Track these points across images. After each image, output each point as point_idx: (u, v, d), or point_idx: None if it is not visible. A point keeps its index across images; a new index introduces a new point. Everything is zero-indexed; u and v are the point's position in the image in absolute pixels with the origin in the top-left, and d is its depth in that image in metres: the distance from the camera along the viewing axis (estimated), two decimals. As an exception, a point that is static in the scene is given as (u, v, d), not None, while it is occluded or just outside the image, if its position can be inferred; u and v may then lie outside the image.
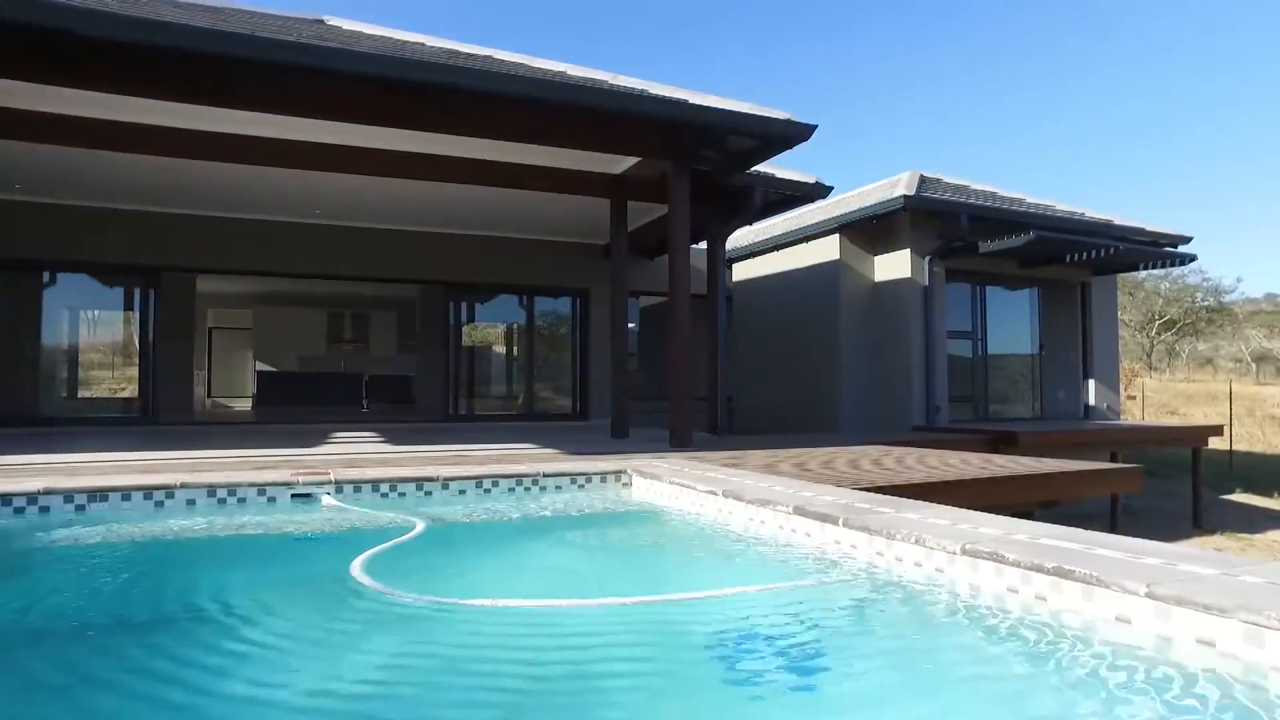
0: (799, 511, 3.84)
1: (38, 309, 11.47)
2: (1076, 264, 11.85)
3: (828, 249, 12.28)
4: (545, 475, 5.37)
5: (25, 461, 5.99)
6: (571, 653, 2.66)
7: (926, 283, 11.36)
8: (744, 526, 4.25)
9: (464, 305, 13.32)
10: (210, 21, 6.39)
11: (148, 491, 4.52)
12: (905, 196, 10.81)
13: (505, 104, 6.86)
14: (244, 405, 19.28)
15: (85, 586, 3.52)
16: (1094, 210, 12.98)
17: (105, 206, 10.92)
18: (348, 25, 8.64)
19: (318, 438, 8.95)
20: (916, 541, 3.10)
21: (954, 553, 2.92)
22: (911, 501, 4.01)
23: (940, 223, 11.29)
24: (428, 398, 13.98)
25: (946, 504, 3.95)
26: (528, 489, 5.31)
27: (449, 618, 2.95)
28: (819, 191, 9.94)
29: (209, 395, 19.90)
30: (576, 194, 9.35)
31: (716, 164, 8.42)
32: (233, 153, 7.95)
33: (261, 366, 18.71)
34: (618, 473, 5.62)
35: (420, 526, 4.07)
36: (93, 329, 12.30)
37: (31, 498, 4.31)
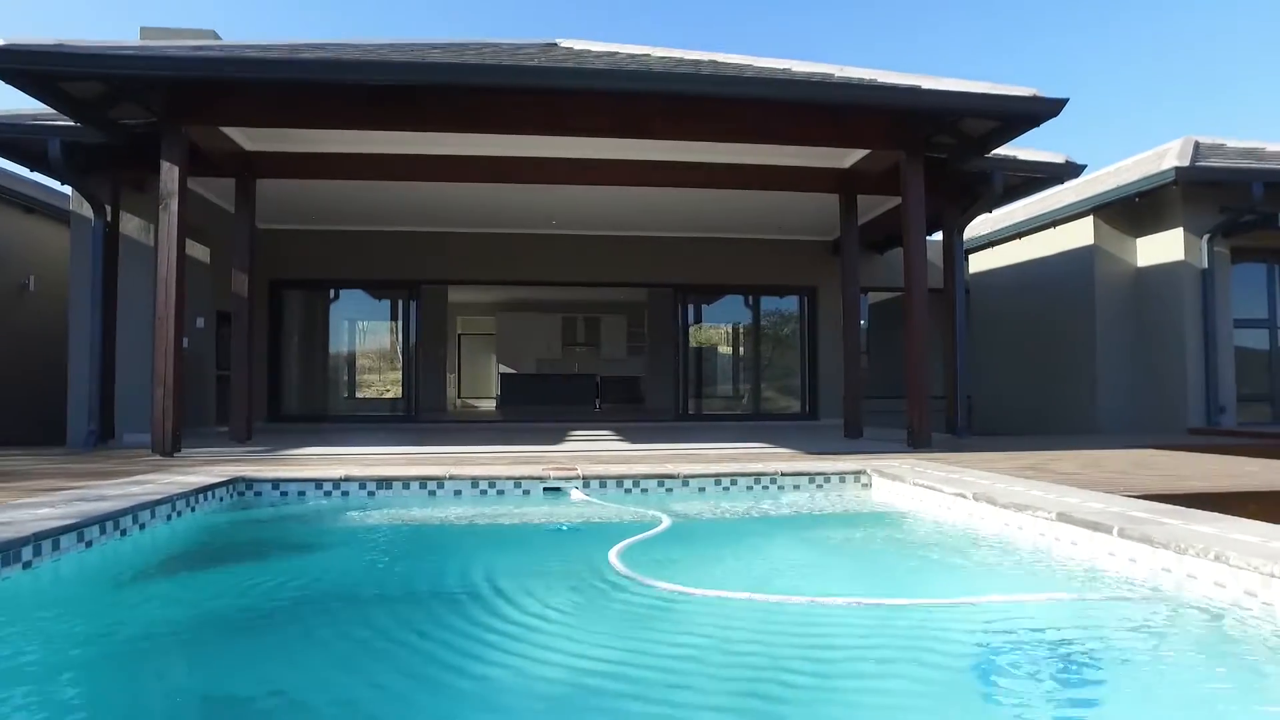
0: (1064, 518, 3.55)
1: (326, 322, 13.33)
2: None
3: (1079, 233, 11.18)
4: (783, 474, 5.38)
5: (326, 452, 6.98)
6: (819, 651, 2.64)
7: (1205, 264, 9.99)
8: (996, 532, 4.00)
9: (690, 306, 13.62)
10: (460, 56, 7.08)
11: (423, 481, 5.09)
12: (1177, 168, 9.57)
13: (734, 106, 6.96)
14: (488, 405, 21.05)
15: (378, 560, 4.06)
16: None
17: (375, 229, 12.40)
18: (578, 45, 9.14)
19: (558, 435, 9.56)
20: (1216, 558, 2.75)
21: (1270, 575, 2.56)
22: (1199, 512, 3.56)
23: (1223, 195, 9.88)
24: (656, 397, 14.47)
25: (1245, 517, 3.46)
26: (766, 487, 5.34)
27: (699, 609, 3.04)
28: (1069, 171, 9.06)
29: (459, 396, 21.93)
30: (804, 191, 9.24)
31: (952, 150, 7.97)
32: (479, 173, 8.70)
33: (504, 369, 20.32)
34: (857, 473, 5.50)
35: (667, 521, 4.24)
36: (363, 338, 14.01)
37: (335, 483, 5.02)
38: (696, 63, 7.82)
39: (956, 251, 9.39)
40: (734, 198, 10.28)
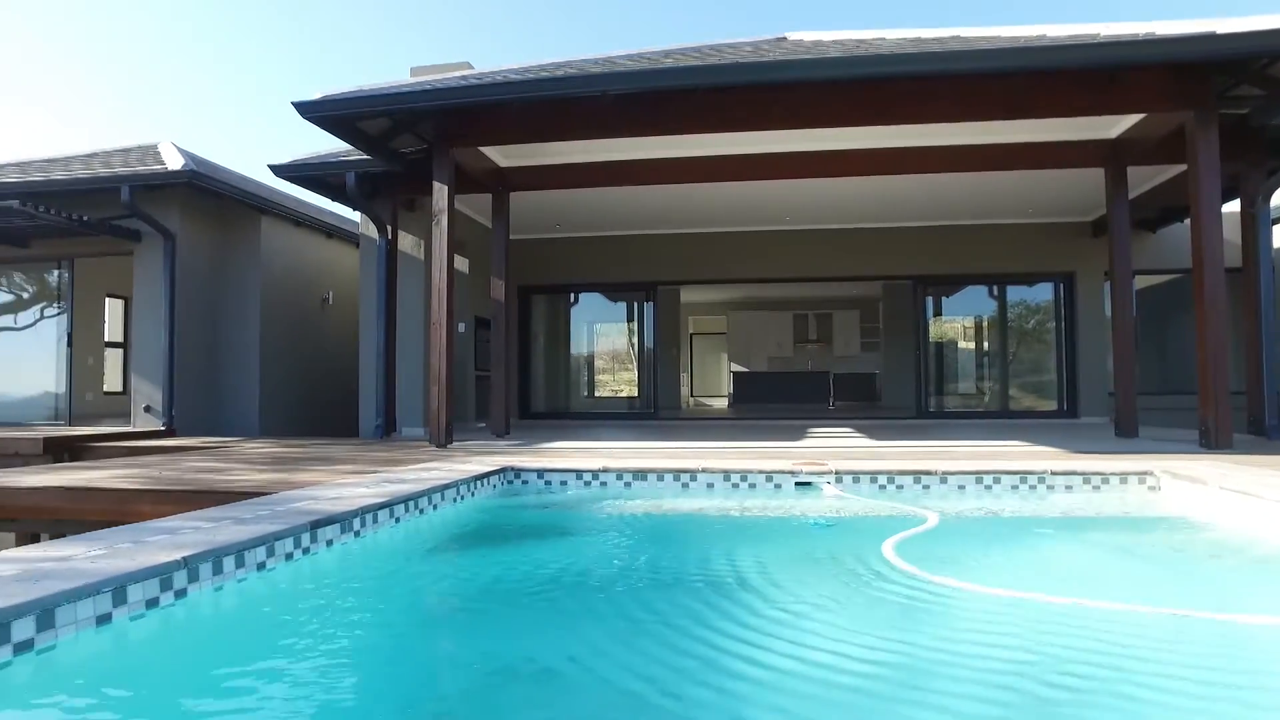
0: None
1: (567, 324, 14.16)
2: None
3: None
4: (1054, 473, 4.94)
5: (578, 445, 7.41)
6: (1108, 656, 2.42)
7: None
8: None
9: (930, 299, 12.93)
10: (699, 59, 7.21)
11: (676, 474, 5.23)
12: None
13: (985, 82, 6.53)
14: (720, 403, 21.28)
15: (640, 545, 4.25)
16: None
17: (613, 234, 12.97)
18: (808, 36, 8.99)
19: (796, 432, 9.46)
20: None
21: None
22: None
23: None
24: (893, 394, 13.88)
25: None
26: (1033, 487, 4.94)
27: (973, 605, 2.90)
28: None
29: (691, 394, 22.39)
30: (1062, 167, 8.46)
31: (1258, 102, 6.90)
32: (716, 173, 8.80)
33: (735, 367, 20.46)
34: (1142, 474, 4.93)
35: (934, 518, 4.05)
36: (599, 339, 14.71)
37: (594, 474, 5.30)
38: (938, 40, 7.40)
39: (1261, 223, 8.09)
40: (978, 180, 9.63)
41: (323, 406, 11.68)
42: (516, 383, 12.93)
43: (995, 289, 12.83)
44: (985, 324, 13.29)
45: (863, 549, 3.46)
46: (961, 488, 4.95)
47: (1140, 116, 7.46)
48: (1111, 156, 8.17)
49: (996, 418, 12.22)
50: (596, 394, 14.57)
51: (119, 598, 2.18)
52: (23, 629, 1.89)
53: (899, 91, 6.79)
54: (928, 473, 4.97)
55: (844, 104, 6.91)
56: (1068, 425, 10.85)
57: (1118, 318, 8.22)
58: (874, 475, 5.00)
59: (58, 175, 9.70)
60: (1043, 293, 12.64)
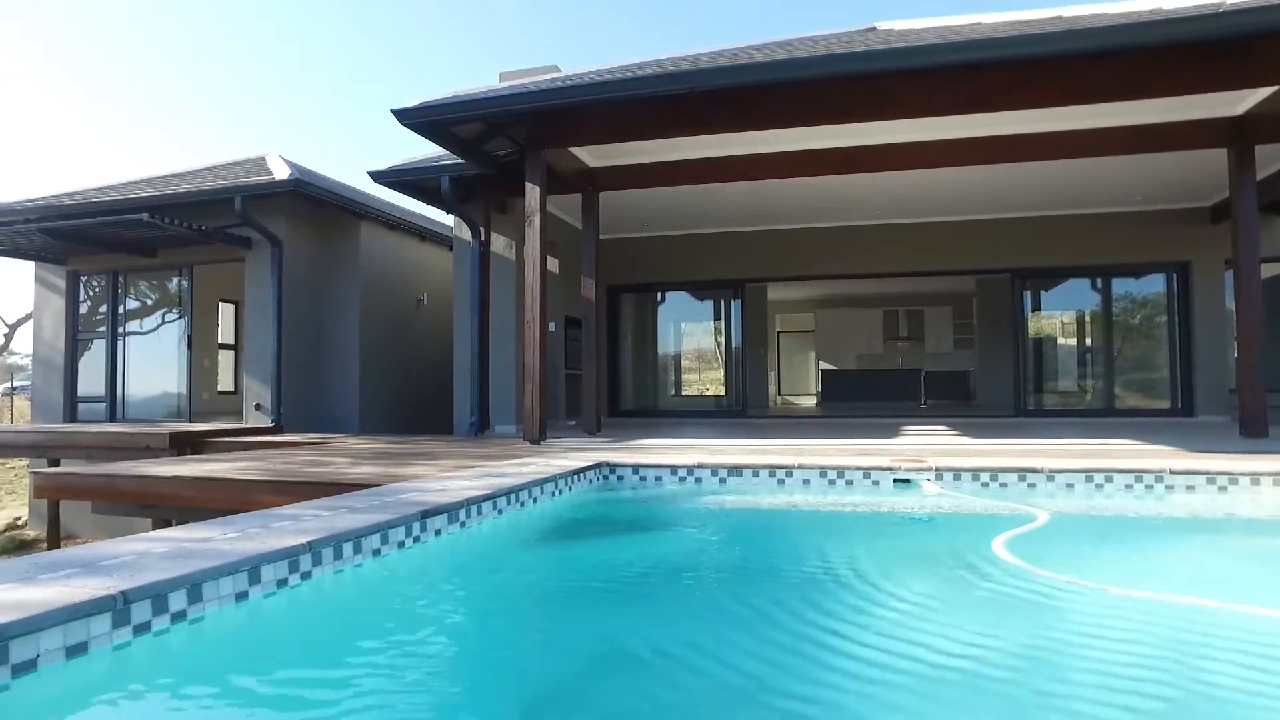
0: None
1: (654, 323, 14.23)
2: None
3: None
4: (1173, 473, 4.68)
5: (669, 443, 7.44)
6: (1241, 657, 2.31)
7: None
8: None
9: (1028, 293, 12.42)
10: (790, 53, 7.13)
11: (771, 470, 5.19)
12: None
13: (1093, 62, 6.21)
14: (808, 401, 21.00)
15: (739, 539, 4.27)
16: None
17: (699, 232, 12.94)
18: (898, 25, 8.77)
19: (890, 430, 9.25)
20: None
21: None
22: None
23: None
24: (988, 392, 13.42)
25: None
26: (1150, 487, 4.70)
27: (1089, 604, 2.81)
28: None
29: (778, 393, 22.16)
30: (1177, 150, 7.99)
31: None
32: (802, 167, 8.63)
33: (823, 365, 20.14)
34: (1277, 475, 4.62)
35: (1044, 516, 3.91)
36: (685, 338, 14.71)
37: (689, 469, 5.32)
38: (1038, 22, 7.11)
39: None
40: (1081, 167, 9.18)
41: (418, 404, 12.07)
42: (606, 381, 13.05)
43: (1099, 281, 12.23)
44: (1088, 318, 12.70)
45: (973, 546, 3.38)
46: (1070, 486, 4.75)
47: (1271, 90, 6.98)
48: (1237, 135, 7.65)
49: (1101, 416, 11.65)
50: (684, 392, 14.59)
51: (254, 577, 2.33)
52: (177, 601, 2.04)
53: (999, 78, 6.54)
54: (1033, 470, 4.79)
55: (941, 93, 6.71)
56: (1183, 424, 10.26)
57: (1243, 309, 7.70)
58: (975, 473, 4.85)
59: (180, 188, 10.36)
60: (1152, 284, 11.98)
